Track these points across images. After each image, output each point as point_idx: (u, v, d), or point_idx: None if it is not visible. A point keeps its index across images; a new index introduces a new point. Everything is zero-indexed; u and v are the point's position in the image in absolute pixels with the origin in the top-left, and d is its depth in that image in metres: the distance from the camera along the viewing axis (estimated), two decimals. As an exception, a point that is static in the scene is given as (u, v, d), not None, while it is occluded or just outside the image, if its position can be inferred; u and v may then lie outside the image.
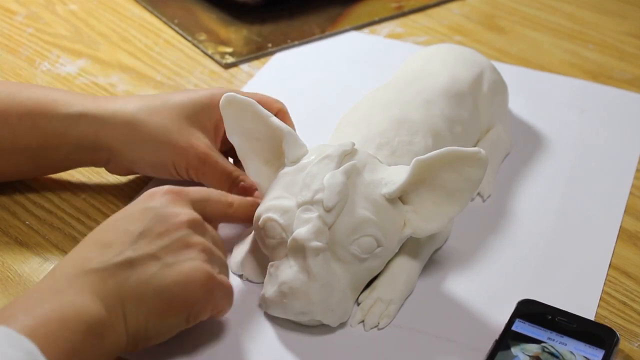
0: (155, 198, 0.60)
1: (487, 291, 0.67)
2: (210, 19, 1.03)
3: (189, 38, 0.99)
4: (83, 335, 0.53)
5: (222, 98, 0.67)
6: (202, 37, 0.99)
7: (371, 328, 0.64)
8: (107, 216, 0.61)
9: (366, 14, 1.05)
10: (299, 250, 0.62)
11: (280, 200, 0.64)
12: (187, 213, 0.60)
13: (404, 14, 1.06)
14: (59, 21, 1.02)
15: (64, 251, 0.69)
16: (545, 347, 0.61)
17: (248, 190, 0.70)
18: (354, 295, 0.65)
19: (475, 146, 0.78)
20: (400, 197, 0.65)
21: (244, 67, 0.95)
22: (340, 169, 0.63)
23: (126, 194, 0.76)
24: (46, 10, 1.03)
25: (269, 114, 0.67)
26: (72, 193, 0.76)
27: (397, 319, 0.65)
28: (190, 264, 0.58)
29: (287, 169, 0.66)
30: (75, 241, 0.70)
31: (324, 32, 1.01)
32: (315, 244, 0.61)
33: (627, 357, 0.63)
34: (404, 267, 0.67)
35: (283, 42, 0.99)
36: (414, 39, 1.01)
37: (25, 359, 0.49)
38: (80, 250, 0.58)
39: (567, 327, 0.62)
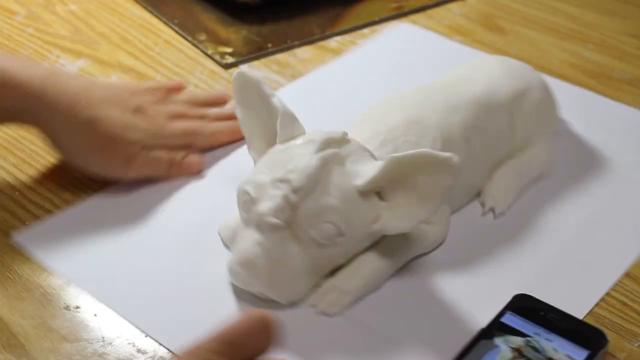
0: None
1: (482, 291, 0.67)
2: (210, 19, 1.03)
3: (189, 38, 0.99)
4: None
5: (234, 73, 0.70)
6: (202, 37, 0.99)
7: (322, 313, 0.65)
8: (107, 216, 0.61)
9: (366, 14, 1.05)
10: (261, 224, 0.63)
11: (259, 176, 0.65)
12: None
13: (404, 14, 1.06)
14: (59, 21, 1.02)
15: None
16: (529, 341, 0.61)
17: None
18: (312, 278, 0.65)
19: (504, 162, 0.77)
20: (379, 193, 0.65)
21: (244, 67, 0.95)
22: (319, 154, 0.64)
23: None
24: (46, 10, 1.03)
25: (272, 93, 0.68)
26: (72, 193, 0.76)
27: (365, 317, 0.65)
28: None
29: (276, 147, 0.67)
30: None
31: (324, 32, 1.01)
32: (273, 220, 0.62)
33: None
34: (371, 263, 0.67)
35: (283, 42, 0.99)
36: (414, 39, 1.01)
37: None
38: None
39: (557, 325, 0.62)
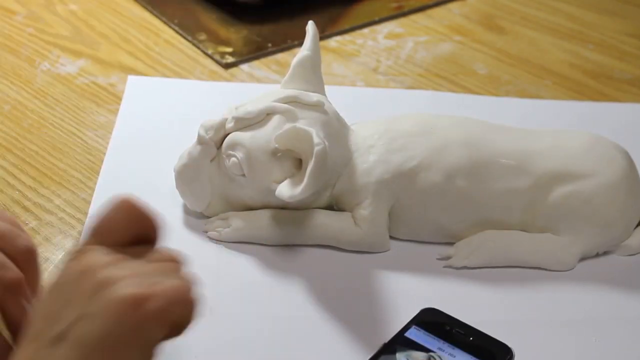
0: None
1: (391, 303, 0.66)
2: (210, 19, 1.03)
3: (189, 38, 0.99)
4: None
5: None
6: (202, 37, 0.99)
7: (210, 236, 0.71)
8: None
9: (366, 14, 1.05)
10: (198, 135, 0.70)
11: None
12: None
13: (404, 14, 1.06)
14: (59, 21, 1.02)
15: (64, 251, 0.69)
16: (432, 356, 0.60)
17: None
18: (220, 203, 0.71)
19: (512, 226, 0.71)
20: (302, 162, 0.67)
21: (244, 67, 0.95)
22: (271, 103, 0.69)
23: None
24: (46, 10, 1.03)
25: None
26: (72, 193, 0.76)
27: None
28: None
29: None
30: (75, 241, 0.70)
31: (324, 32, 1.01)
32: (201, 131, 0.70)
33: None
34: (268, 218, 0.69)
35: (283, 42, 0.99)
36: (414, 39, 1.01)
37: None
38: None
39: (462, 340, 0.61)
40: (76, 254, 0.48)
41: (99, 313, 0.45)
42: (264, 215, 0.70)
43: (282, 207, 0.70)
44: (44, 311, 0.47)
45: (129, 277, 0.46)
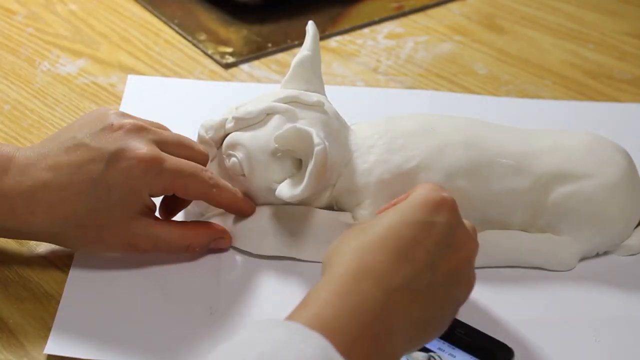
0: None
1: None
2: (210, 19, 1.03)
3: (189, 38, 0.99)
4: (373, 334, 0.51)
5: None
6: (202, 37, 0.99)
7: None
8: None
9: (366, 14, 1.05)
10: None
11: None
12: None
13: (404, 14, 1.06)
14: (59, 21, 1.02)
15: (64, 251, 0.69)
16: (432, 356, 0.60)
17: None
18: None
19: (512, 225, 0.71)
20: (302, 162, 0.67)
21: (244, 67, 0.95)
22: (271, 103, 0.69)
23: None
24: (46, 10, 1.03)
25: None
26: (72, 193, 0.76)
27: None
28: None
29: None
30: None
31: (324, 32, 1.01)
32: (202, 132, 0.70)
33: None
34: (264, 218, 0.69)
35: (283, 42, 0.99)
36: (414, 39, 1.01)
37: (320, 355, 0.47)
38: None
39: (462, 340, 0.61)
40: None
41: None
42: (260, 216, 0.70)
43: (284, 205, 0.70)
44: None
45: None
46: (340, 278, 0.52)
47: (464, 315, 0.63)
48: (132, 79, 0.91)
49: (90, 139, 0.64)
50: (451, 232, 0.57)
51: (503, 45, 1.01)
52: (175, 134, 0.69)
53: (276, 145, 0.67)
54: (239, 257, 0.70)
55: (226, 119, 0.70)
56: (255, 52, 0.97)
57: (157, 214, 0.68)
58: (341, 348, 0.48)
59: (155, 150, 0.65)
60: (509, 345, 0.61)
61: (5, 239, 0.70)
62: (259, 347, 0.47)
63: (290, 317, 0.50)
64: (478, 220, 0.69)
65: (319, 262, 0.56)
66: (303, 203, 0.69)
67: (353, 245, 0.54)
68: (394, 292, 0.53)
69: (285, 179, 0.68)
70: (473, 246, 0.58)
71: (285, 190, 0.66)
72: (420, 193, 0.57)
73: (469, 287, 0.57)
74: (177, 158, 0.66)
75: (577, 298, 0.68)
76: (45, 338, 0.62)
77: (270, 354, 0.46)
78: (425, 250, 0.55)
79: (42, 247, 0.70)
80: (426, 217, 0.56)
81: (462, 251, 0.57)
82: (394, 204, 0.59)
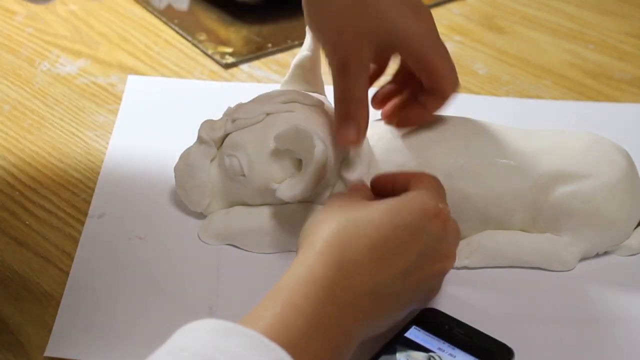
0: (435, 223, 0.57)
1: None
2: (210, 19, 1.03)
3: (189, 38, 0.99)
4: (319, 351, 0.50)
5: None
6: (202, 37, 0.99)
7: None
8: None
9: (366, 14, 1.05)
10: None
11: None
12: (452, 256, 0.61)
13: (404, 14, 1.06)
14: (59, 21, 1.02)
15: (64, 251, 0.69)
16: (432, 356, 0.59)
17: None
18: (221, 202, 0.71)
19: (513, 225, 0.70)
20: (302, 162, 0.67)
21: (244, 67, 0.95)
22: (271, 103, 0.69)
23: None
24: (46, 10, 1.03)
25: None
26: (72, 193, 0.76)
27: None
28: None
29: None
30: (75, 241, 0.70)
31: (324, 32, 1.01)
32: (202, 132, 0.70)
33: None
34: (262, 219, 0.69)
35: (283, 42, 0.99)
36: (414, 39, 1.01)
37: None
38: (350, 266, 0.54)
39: (462, 340, 0.61)
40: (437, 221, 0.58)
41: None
42: (256, 214, 0.70)
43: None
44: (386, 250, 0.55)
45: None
46: (312, 272, 0.52)
47: (464, 315, 0.63)
48: (132, 79, 0.91)
49: None
50: (436, 244, 0.57)
51: (503, 45, 1.01)
52: None
53: (276, 145, 0.67)
54: (238, 256, 0.70)
55: (226, 120, 0.70)
56: (255, 52, 0.97)
57: None
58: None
59: None
60: (509, 345, 0.61)
61: (6, 239, 0.70)
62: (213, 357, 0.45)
63: (249, 320, 0.49)
64: (478, 220, 0.69)
65: None
66: (303, 203, 0.69)
67: (337, 231, 0.54)
68: (362, 296, 0.53)
69: (285, 179, 0.68)
70: (450, 263, 0.59)
71: (285, 190, 0.66)
72: (419, 197, 0.57)
73: (432, 296, 0.59)
74: None
75: (577, 298, 0.68)
76: (45, 338, 0.62)
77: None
78: (406, 258, 0.55)
79: (42, 247, 0.70)
80: (419, 224, 0.56)
81: (439, 264, 0.58)
82: (393, 179, 0.59)
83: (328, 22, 0.65)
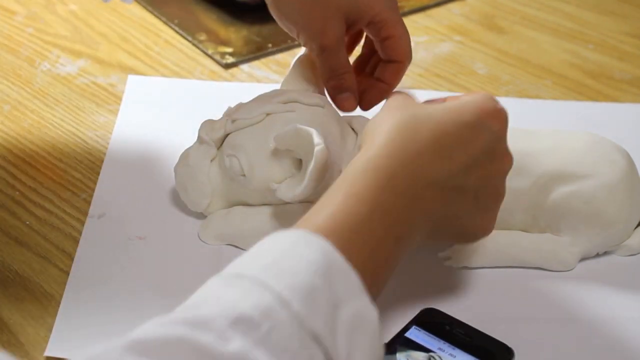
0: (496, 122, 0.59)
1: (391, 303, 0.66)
2: (210, 19, 1.03)
3: (189, 38, 0.99)
4: (382, 238, 0.53)
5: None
6: (202, 37, 0.99)
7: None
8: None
9: (366, 14, 1.05)
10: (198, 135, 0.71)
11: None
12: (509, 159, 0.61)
13: (404, 14, 1.06)
14: (59, 21, 1.02)
15: (64, 251, 0.69)
16: (432, 356, 0.60)
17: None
18: (220, 201, 0.71)
19: (513, 226, 0.71)
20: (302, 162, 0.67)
21: (244, 67, 0.95)
22: (271, 103, 0.69)
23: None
24: (46, 10, 1.03)
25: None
26: (72, 193, 0.76)
27: None
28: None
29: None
30: (75, 241, 0.70)
31: (324, 32, 1.01)
32: (202, 132, 0.70)
33: None
34: (261, 219, 0.69)
35: (283, 42, 0.99)
36: (414, 39, 1.01)
37: (322, 259, 0.48)
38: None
39: (462, 340, 0.61)
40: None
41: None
42: (256, 214, 0.70)
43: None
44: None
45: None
46: (374, 163, 0.54)
47: (464, 315, 0.63)
48: (132, 79, 0.91)
49: None
50: (496, 143, 0.58)
51: (503, 45, 1.01)
52: None
53: (276, 145, 0.67)
54: (238, 256, 0.69)
55: (226, 120, 0.70)
56: (255, 52, 0.97)
57: None
58: (352, 249, 0.50)
59: None
60: (509, 345, 0.61)
61: (6, 239, 0.70)
62: (265, 256, 0.49)
63: (316, 210, 0.53)
64: None
65: None
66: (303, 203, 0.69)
67: (399, 125, 0.56)
68: (423, 188, 0.54)
69: (285, 179, 0.68)
70: (509, 162, 0.60)
71: (285, 190, 0.66)
72: (476, 98, 0.59)
73: (499, 200, 0.59)
74: None
75: (577, 298, 0.68)
76: (45, 338, 0.62)
77: (273, 262, 0.48)
78: (467, 153, 0.57)
79: (42, 247, 0.70)
80: (480, 122, 0.58)
81: (499, 163, 0.59)
82: (443, 101, 0.60)
83: (295, 11, 0.69)
